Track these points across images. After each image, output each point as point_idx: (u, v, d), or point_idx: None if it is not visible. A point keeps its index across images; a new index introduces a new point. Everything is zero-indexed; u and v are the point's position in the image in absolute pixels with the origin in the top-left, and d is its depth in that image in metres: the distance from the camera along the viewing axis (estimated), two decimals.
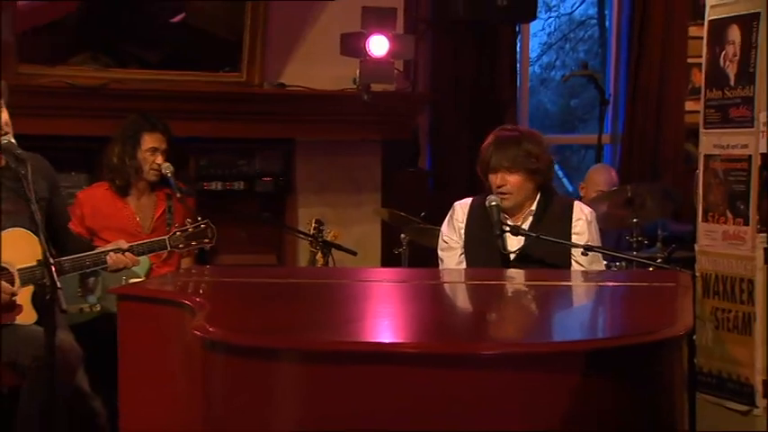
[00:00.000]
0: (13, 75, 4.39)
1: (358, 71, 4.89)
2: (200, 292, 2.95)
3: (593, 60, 7.98)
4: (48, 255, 3.04)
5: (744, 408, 3.17)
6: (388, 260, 5.08)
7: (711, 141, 3.30)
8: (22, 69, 4.55)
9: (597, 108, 5.93)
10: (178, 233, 3.72)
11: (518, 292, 3.35)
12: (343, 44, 4.88)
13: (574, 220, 3.68)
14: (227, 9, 4.93)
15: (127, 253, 3.59)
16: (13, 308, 3.42)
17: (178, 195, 4.17)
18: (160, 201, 4.31)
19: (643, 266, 4.03)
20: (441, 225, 3.91)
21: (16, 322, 3.42)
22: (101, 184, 4.32)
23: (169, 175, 4.16)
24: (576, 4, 9.33)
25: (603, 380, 2.15)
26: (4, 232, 3.41)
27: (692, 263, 3.44)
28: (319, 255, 4.52)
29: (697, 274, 3.32)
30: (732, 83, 3.20)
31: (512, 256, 3.62)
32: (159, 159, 4.20)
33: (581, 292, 3.28)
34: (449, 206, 3.90)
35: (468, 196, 3.83)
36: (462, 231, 3.73)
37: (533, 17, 5.55)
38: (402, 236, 4.72)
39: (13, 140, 3.33)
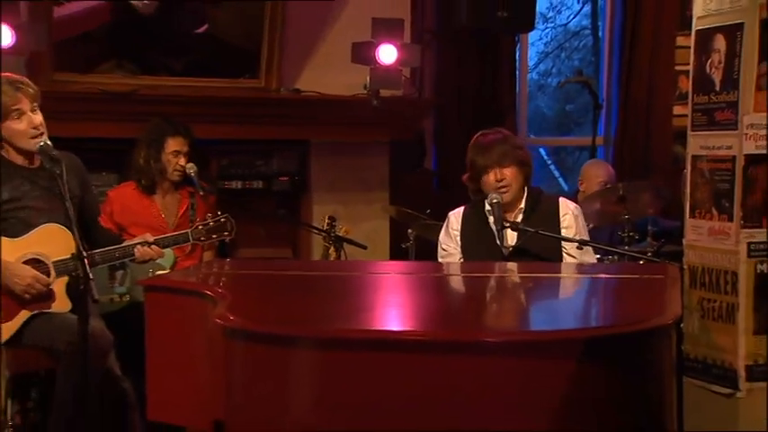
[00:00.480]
0: (49, 82, 4.41)
1: (368, 78, 4.90)
2: (222, 283, 2.95)
3: (587, 68, 7.96)
4: (81, 248, 3.05)
5: (728, 391, 3.16)
6: (396, 254, 5.08)
7: (698, 143, 3.29)
8: (57, 77, 4.56)
9: (591, 112, 5.91)
10: (200, 227, 3.72)
11: (517, 283, 3.35)
12: (354, 53, 4.88)
13: (561, 215, 3.69)
14: (246, 20, 4.94)
15: (153, 245, 3.59)
16: (49, 297, 3.42)
17: (201, 193, 4.18)
18: (184, 198, 4.31)
19: (634, 260, 4.03)
20: (445, 221, 3.90)
21: (52, 310, 3.43)
22: (129, 183, 4.32)
23: (192, 174, 4.17)
24: (571, 16, 9.31)
25: (598, 365, 2.15)
26: (39, 228, 3.42)
27: (680, 256, 3.43)
28: (332, 249, 4.53)
29: (685, 266, 3.31)
30: (717, 88, 3.18)
31: (507, 251, 3.62)
32: (182, 161, 4.21)
33: (576, 283, 3.28)
34: (453, 203, 3.90)
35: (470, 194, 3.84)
36: (458, 238, 3.74)
37: (531, 28, 5.53)
38: (409, 231, 4.72)
39: (48, 142, 3.34)
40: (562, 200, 3.78)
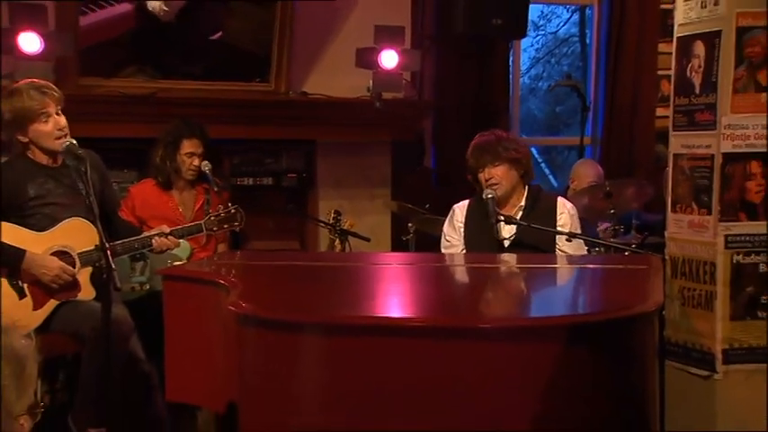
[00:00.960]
0: (75, 86, 4.41)
1: (371, 81, 4.89)
2: (234, 273, 2.95)
3: (576, 72, 7.94)
4: (104, 240, 3.05)
5: (705, 373, 3.16)
6: (397, 246, 5.07)
7: (679, 142, 3.28)
8: (82, 81, 4.56)
9: (579, 114, 5.89)
10: (212, 217, 3.72)
11: (512, 273, 3.35)
12: (358, 58, 4.87)
13: (558, 213, 3.70)
14: (257, 28, 4.93)
15: (169, 236, 3.59)
16: (75, 287, 3.43)
17: (215, 189, 4.18)
18: (199, 194, 4.31)
19: (619, 251, 4.03)
20: (443, 216, 3.91)
21: (77, 299, 3.43)
22: (148, 180, 4.32)
23: (207, 171, 4.17)
24: (561, 24, 9.30)
25: (587, 349, 2.15)
26: (64, 222, 3.43)
27: (662, 248, 3.43)
28: (337, 241, 4.52)
29: (666, 257, 3.31)
30: (697, 91, 3.18)
31: (506, 243, 3.63)
32: (196, 162, 4.21)
33: (566, 273, 3.28)
34: (451, 198, 3.90)
35: (468, 190, 3.83)
36: (462, 229, 3.74)
37: (524, 35, 5.52)
38: (409, 225, 4.71)
39: (74, 142, 3.34)
40: (560, 199, 3.79)
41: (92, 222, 3.17)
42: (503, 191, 3.66)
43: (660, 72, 5.94)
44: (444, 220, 3.91)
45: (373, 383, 2.10)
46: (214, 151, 4.33)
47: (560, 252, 3.62)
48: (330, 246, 4.59)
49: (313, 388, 2.19)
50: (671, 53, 3.34)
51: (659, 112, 5.94)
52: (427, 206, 4.75)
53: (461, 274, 3.39)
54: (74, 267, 3.40)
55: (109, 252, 3.01)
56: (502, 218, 3.59)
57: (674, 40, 3.29)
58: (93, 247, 3.25)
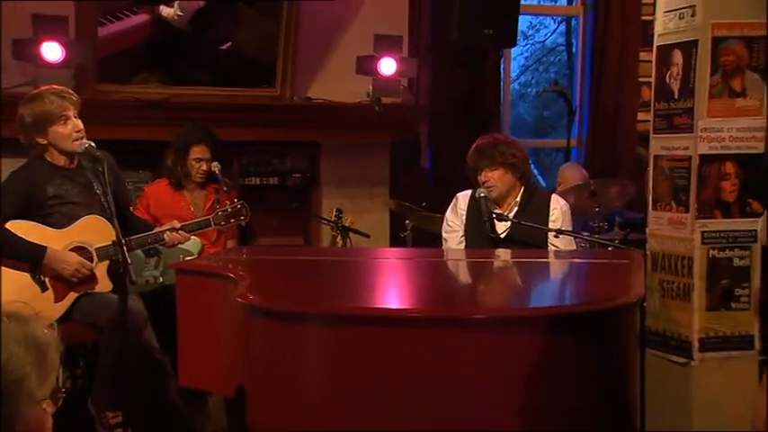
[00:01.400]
0: (93, 92, 4.41)
1: (371, 87, 4.89)
2: (242, 267, 2.95)
3: (562, 79, 7.94)
4: (120, 237, 3.05)
5: (683, 360, 3.16)
6: (395, 242, 5.07)
7: (659, 144, 3.28)
8: (100, 87, 4.56)
9: (566, 118, 5.90)
10: (220, 213, 3.72)
11: (504, 267, 3.35)
12: (358, 65, 4.87)
13: (551, 209, 3.69)
14: (264, 38, 4.93)
15: (180, 231, 3.60)
16: (92, 280, 3.43)
17: (224, 189, 4.18)
18: (210, 193, 4.31)
19: (603, 247, 4.03)
20: (439, 213, 3.90)
21: (95, 291, 3.43)
22: (162, 180, 4.32)
23: (217, 172, 4.16)
24: (548, 35, 9.31)
25: (574, 337, 2.15)
26: (81, 219, 3.44)
27: (643, 244, 3.42)
28: (339, 237, 4.52)
29: (647, 252, 3.30)
30: (676, 96, 3.18)
31: (501, 236, 3.63)
32: (204, 167, 4.20)
33: (554, 267, 3.28)
34: (446, 197, 3.90)
35: (461, 190, 3.82)
36: (464, 216, 3.73)
37: (514, 44, 5.52)
38: (407, 222, 4.71)
39: (92, 144, 3.34)
40: (554, 197, 3.79)
41: (107, 219, 3.17)
42: (497, 192, 3.66)
43: (641, 79, 5.94)
44: (440, 217, 3.90)
45: (373, 370, 2.10)
46: (223, 153, 4.33)
47: (552, 247, 3.62)
48: (332, 241, 4.59)
49: (316, 374, 2.19)
50: (651, 61, 3.34)
51: (640, 116, 5.93)
52: (423, 204, 4.75)
53: (456, 268, 3.39)
54: (91, 262, 3.41)
55: (125, 247, 3.01)
56: (495, 215, 3.59)
57: (654, 49, 3.29)
58: (109, 243, 3.25)
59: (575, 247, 3.80)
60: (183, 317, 2.84)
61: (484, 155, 3.65)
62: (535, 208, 3.67)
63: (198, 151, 4.21)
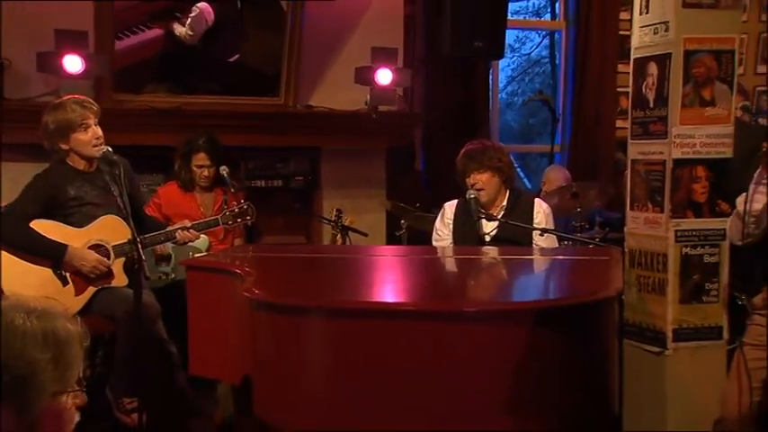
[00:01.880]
0: (110, 101, 4.40)
1: (368, 96, 4.89)
2: (248, 264, 2.95)
3: (546, 89, 7.96)
4: (135, 235, 3.05)
5: (658, 350, 3.18)
6: (392, 240, 5.08)
7: (636, 150, 3.29)
8: (117, 97, 4.56)
9: (549, 125, 5.90)
10: (227, 212, 3.73)
11: (492, 264, 3.35)
12: (356, 75, 4.87)
13: (535, 212, 3.71)
14: (269, 51, 4.93)
15: (190, 229, 3.60)
16: (110, 275, 3.43)
17: (232, 190, 4.17)
18: (218, 195, 4.31)
19: (584, 244, 4.03)
20: (432, 213, 3.91)
21: (112, 285, 3.44)
22: (173, 182, 4.32)
23: (225, 175, 4.16)
24: (534, 48, 9.33)
25: (558, 329, 2.15)
26: (99, 219, 3.44)
27: (621, 241, 3.43)
28: (339, 236, 4.52)
29: (625, 250, 3.32)
30: (651, 105, 3.19)
31: (488, 238, 3.64)
32: (206, 173, 4.21)
33: (539, 264, 3.28)
34: (439, 199, 3.90)
35: (453, 192, 3.83)
36: (451, 225, 3.75)
37: (502, 56, 5.52)
38: (402, 222, 4.71)
39: (110, 149, 3.35)
40: (537, 200, 3.81)
41: (123, 219, 3.17)
42: (486, 195, 3.67)
43: (619, 89, 5.94)
44: (433, 217, 3.91)
45: (371, 361, 2.10)
46: (231, 157, 4.34)
47: (536, 245, 3.63)
48: (332, 240, 4.59)
49: (317, 365, 2.18)
50: (628, 73, 3.36)
51: (619, 123, 5.94)
52: (418, 205, 4.75)
53: (448, 265, 3.39)
54: (108, 258, 3.41)
55: (140, 245, 3.02)
56: (483, 215, 3.60)
57: (631, 61, 3.30)
58: (125, 241, 3.27)
59: (557, 246, 3.81)
60: (194, 310, 2.84)
61: (472, 159, 3.66)
62: (521, 211, 3.68)
63: (199, 159, 4.22)
